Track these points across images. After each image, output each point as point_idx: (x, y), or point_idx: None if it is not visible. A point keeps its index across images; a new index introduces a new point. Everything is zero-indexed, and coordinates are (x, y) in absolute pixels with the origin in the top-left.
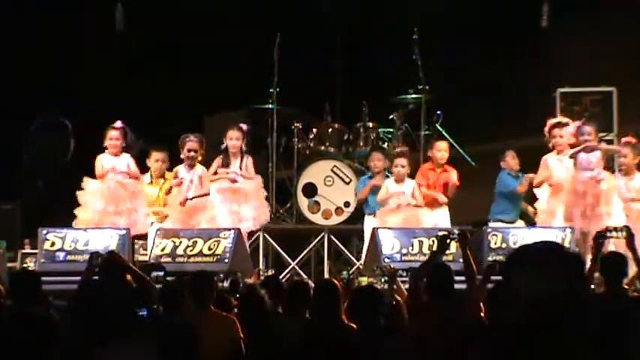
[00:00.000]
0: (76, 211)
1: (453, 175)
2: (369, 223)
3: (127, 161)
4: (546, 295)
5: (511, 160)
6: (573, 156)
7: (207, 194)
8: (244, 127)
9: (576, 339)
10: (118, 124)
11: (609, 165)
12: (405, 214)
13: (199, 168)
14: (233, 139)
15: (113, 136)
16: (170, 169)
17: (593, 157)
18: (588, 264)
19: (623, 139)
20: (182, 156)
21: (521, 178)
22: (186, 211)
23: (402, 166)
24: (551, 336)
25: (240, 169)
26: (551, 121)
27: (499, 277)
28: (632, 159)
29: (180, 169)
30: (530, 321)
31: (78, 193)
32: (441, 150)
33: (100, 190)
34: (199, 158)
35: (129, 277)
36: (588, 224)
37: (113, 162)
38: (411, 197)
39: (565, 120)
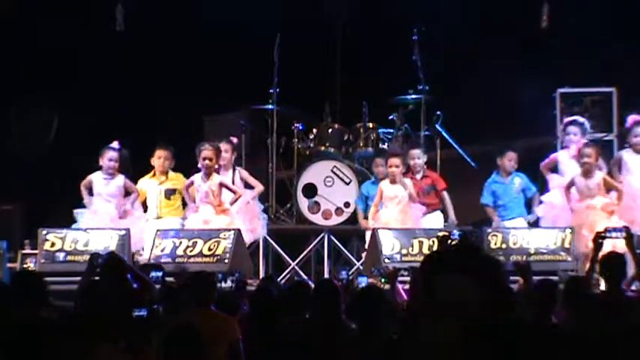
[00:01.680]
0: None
1: (437, 182)
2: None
3: (118, 184)
4: (474, 305)
5: (506, 162)
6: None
7: (241, 195)
8: (234, 140)
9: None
10: (116, 144)
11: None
12: (400, 209)
13: (216, 177)
14: (222, 152)
15: (113, 157)
16: (174, 169)
17: (592, 183)
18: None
19: (631, 119)
20: (199, 165)
21: (513, 180)
22: (203, 220)
23: (396, 166)
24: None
25: (233, 182)
26: (566, 119)
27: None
28: None
29: (197, 178)
30: (463, 333)
31: (75, 211)
32: (413, 158)
33: (97, 214)
34: (216, 167)
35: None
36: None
37: (105, 187)
38: (407, 196)
39: (582, 119)
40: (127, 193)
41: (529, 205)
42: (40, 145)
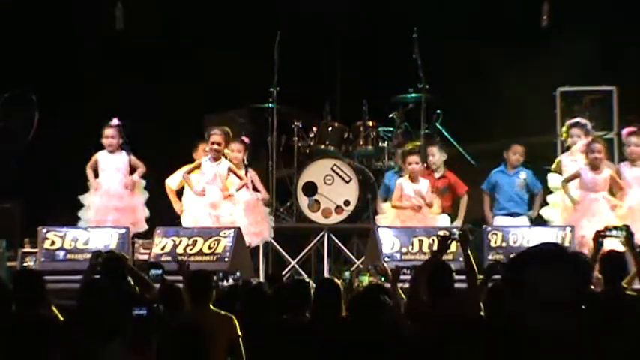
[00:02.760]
0: (81, 213)
1: (457, 185)
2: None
3: (124, 159)
4: (565, 297)
5: (512, 156)
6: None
7: (246, 182)
8: (246, 140)
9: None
10: (114, 121)
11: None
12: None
13: (224, 162)
14: (235, 152)
15: (109, 134)
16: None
17: (600, 178)
18: None
19: (625, 130)
20: (207, 149)
21: (518, 174)
22: (210, 203)
23: (416, 163)
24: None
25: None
26: (569, 121)
27: (501, 276)
28: None
29: (204, 161)
30: (546, 321)
31: (80, 197)
32: (428, 155)
33: (102, 190)
34: (225, 151)
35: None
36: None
37: (110, 161)
38: (427, 197)
39: (584, 121)
40: (133, 170)
41: (532, 201)
42: (20, 142)
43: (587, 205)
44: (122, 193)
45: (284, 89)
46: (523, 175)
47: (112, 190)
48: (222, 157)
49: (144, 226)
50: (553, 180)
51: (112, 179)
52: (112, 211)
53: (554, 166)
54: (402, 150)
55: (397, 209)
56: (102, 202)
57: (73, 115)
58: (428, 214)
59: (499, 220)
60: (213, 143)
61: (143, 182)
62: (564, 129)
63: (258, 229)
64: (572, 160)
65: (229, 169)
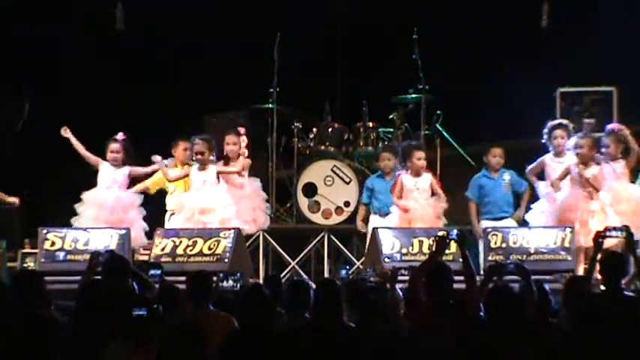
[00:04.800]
0: (73, 221)
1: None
2: (373, 221)
3: (124, 172)
4: None
5: (491, 159)
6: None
7: (237, 171)
8: (242, 130)
9: None
10: (119, 135)
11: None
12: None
13: (212, 167)
14: (230, 144)
15: (113, 149)
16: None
17: (588, 173)
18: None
19: (609, 126)
20: (193, 158)
21: (502, 176)
22: (199, 210)
23: (424, 158)
24: None
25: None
26: (551, 123)
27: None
28: (614, 149)
29: (193, 170)
30: None
31: (76, 205)
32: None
33: (95, 201)
34: (211, 158)
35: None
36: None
37: (112, 173)
38: (429, 191)
39: (565, 121)
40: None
41: (519, 201)
42: (8, 132)
43: (576, 203)
44: (115, 207)
45: (284, 90)
46: (507, 176)
47: (104, 202)
48: (210, 164)
49: (144, 241)
50: (541, 188)
51: (108, 192)
52: (102, 224)
53: (533, 165)
54: (406, 144)
55: (401, 211)
56: (93, 212)
57: (74, 114)
58: (433, 211)
59: (484, 224)
60: (197, 153)
61: (140, 198)
62: (546, 130)
63: (254, 217)
64: (558, 162)
65: (219, 173)
